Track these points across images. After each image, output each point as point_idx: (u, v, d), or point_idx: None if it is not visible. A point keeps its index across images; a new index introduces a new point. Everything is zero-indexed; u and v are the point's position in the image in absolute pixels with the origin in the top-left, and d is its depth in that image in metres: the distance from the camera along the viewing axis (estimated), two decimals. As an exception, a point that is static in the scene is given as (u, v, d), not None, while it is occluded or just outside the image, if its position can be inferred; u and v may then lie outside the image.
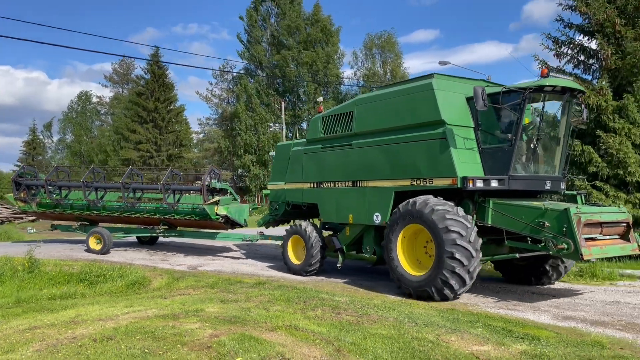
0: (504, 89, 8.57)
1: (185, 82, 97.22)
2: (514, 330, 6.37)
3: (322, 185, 11.16)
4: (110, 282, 10.21)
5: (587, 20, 13.69)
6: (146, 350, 5.53)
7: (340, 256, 11.09)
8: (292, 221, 12.53)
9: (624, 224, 8.58)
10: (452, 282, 8.06)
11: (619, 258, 11.35)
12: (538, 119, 9.20)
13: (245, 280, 10.44)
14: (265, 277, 10.88)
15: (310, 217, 12.30)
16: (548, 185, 9.06)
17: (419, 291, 8.56)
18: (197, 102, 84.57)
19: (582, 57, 14.03)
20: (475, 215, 8.81)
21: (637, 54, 12.53)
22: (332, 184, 10.88)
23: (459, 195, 8.87)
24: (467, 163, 8.63)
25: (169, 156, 42.83)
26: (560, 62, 14.17)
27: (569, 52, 14.13)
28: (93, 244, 14.18)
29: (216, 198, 13.54)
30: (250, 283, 10.02)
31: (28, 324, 6.79)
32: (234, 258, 14.27)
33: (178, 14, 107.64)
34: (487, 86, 8.98)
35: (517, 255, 8.74)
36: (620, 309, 7.93)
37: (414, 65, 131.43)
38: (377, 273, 11.38)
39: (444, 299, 8.32)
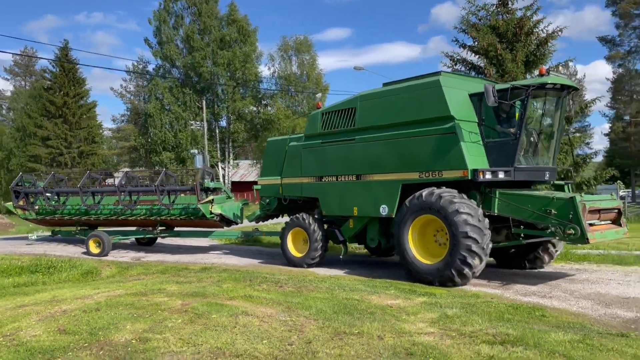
0: (512, 86, 9.00)
1: (90, 75, 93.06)
2: (418, 290, 8.38)
3: (323, 180, 11.27)
4: (65, 272, 11.11)
5: (476, 43, 16.41)
6: (134, 315, 6.82)
7: (343, 248, 11.56)
8: (294, 214, 12.30)
9: (616, 210, 9.35)
10: (470, 260, 8.48)
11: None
12: (539, 114, 9.70)
13: (191, 267, 11.69)
14: (209, 264, 12.26)
15: (303, 211, 12.25)
16: (547, 175, 9.65)
17: (437, 277, 8.92)
18: (110, 97, 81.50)
19: (474, 74, 16.74)
20: (481, 205, 9.22)
21: (512, 73, 15.35)
22: (335, 178, 11.01)
23: (465, 186, 9.23)
24: (475, 156, 9.04)
25: (81, 153, 41.80)
26: (456, 77, 16.78)
27: (462, 68, 16.80)
28: (93, 247, 14.16)
29: (210, 197, 13.81)
30: (196, 269, 11.30)
31: (13, 304, 7.74)
32: (173, 250, 15.40)
33: (81, 1, 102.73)
34: (495, 84, 9.44)
35: (524, 242, 9.37)
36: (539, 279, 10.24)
37: (328, 62, 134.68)
38: (370, 264, 12.11)
39: (464, 280, 8.72)
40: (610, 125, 51.91)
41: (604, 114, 53.23)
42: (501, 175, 8.94)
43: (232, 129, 42.42)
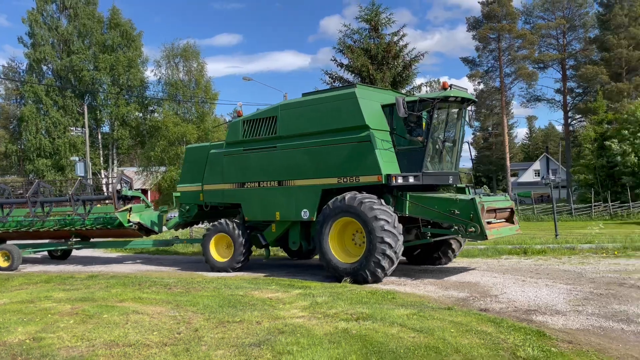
0: (419, 99, 9.79)
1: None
2: (296, 284, 9.46)
3: (245, 186, 11.51)
4: None
5: (351, 63, 18.10)
6: (24, 319, 7.09)
7: (265, 251, 12.06)
8: (215, 221, 12.43)
9: (509, 210, 10.35)
10: (384, 263, 9.12)
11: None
12: (442, 124, 10.44)
13: (77, 276, 11.73)
14: (96, 272, 12.37)
15: (224, 217, 12.36)
16: (450, 179, 10.50)
17: (353, 276, 9.47)
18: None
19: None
20: (394, 207, 9.88)
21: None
22: (257, 184, 11.30)
23: (380, 190, 9.82)
24: (388, 162, 9.71)
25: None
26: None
27: (340, 85, 18.39)
28: (1, 261, 13.37)
29: (128, 206, 13.56)
30: (83, 277, 11.38)
31: None
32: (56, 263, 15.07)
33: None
34: (405, 96, 10.21)
35: (431, 240, 10.16)
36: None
37: (218, 68, 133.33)
38: (293, 266, 12.62)
39: (376, 280, 9.34)
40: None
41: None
42: (411, 180, 9.65)
43: (116, 136, 40.96)
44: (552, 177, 47.80)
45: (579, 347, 5.11)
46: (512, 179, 63.44)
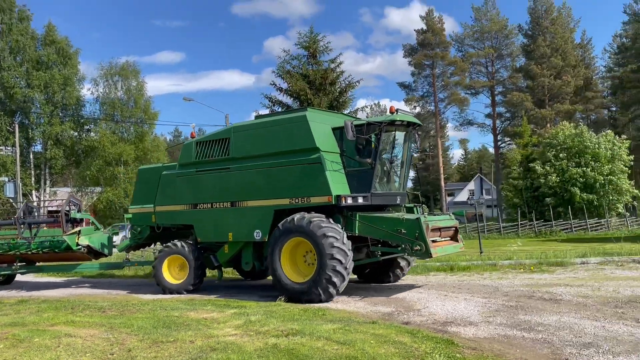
0: (367, 122, 10.19)
1: None
2: (231, 304, 9.69)
3: (198, 207, 11.56)
4: None
5: (290, 87, 18.74)
6: (-50, 347, 6.99)
7: (217, 272, 12.14)
8: (167, 242, 12.37)
9: (453, 229, 10.74)
10: (335, 279, 9.34)
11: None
12: (390, 147, 10.77)
13: (5, 301, 11.41)
14: (27, 297, 12.07)
15: (175, 238, 12.39)
16: (398, 199, 10.85)
17: (305, 295, 9.64)
18: None
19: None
20: (344, 226, 10.07)
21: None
22: (210, 205, 11.37)
23: (330, 210, 10.06)
24: (339, 183, 9.98)
25: None
26: (273, 116, 18.91)
27: (279, 109, 18.95)
28: None
29: (77, 228, 13.22)
30: (12, 302, 11.07)
31: None
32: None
33: None
34: (354, 120, 10.73)
35: (380, 258, 10.60)
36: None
37: (160, 86, 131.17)
38: (245, 287, 12.75)
39: (329, 297, 9.56)
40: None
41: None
42: (360, 200, 9.95)
43: (49, 155, 39.52)
44: (476, 198, 50.25)
45: (481, 353, 5.72)
46: (448, 199, 66.11)
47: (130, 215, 13.08)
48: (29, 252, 13.37)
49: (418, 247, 9.30)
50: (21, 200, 32.49)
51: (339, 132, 10.51)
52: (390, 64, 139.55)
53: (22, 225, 13.20)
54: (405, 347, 5.86)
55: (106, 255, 13.96)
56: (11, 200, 32.19)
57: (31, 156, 39.78)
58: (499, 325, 7.30)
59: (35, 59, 39.84)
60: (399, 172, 11.18)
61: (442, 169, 53.91)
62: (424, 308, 8.86)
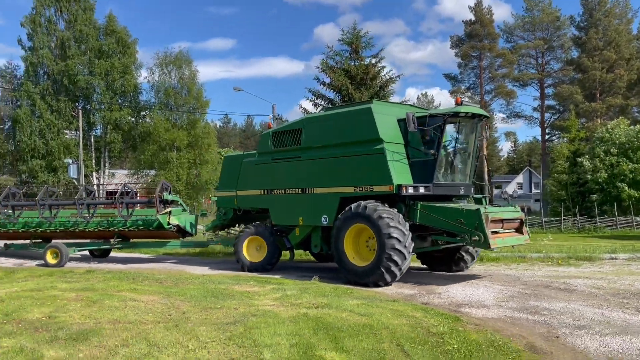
0: (429, 114, 10.52)
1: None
2: (271, 281, 10.82)
3: (273, 192, 12.53)
4: (-49, 276, 11.90)
5: (333, 82, 19.63)
6: (37, 303, 8.39)
7: (290, 254, 12.96)
8: (246, 224, 13.53)
9: (518, 220, 10.83)
10: (395, 257, 9.76)
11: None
12: (454, 138, 11.04)
13: (76, 270, 13.07)
14: (94, 267, 13.67)
15: (256, 221, 13.44)
16: (462, 190, 11.13)
17: (368, 277, 10.13)
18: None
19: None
20: (406, 215, 10.49)
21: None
22: (283, 191, 12.29)
23: (393, 199, 10.49)
24: (401, 173, 10.37)
25: None
26: (316, 109, 19.90)
27: (322, 103, 19.92)
28: (50, 258, 14.28)
29: (168, 209, 14.55)
30: (81, 272, 12.71)
31: None
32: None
33: None
34: (416, 112, 10.83)
35: (441, 247, 10.94)
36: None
37: (211, 72, 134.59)
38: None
39: (392, 277, 9.97)
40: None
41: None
42: (422, 190, 10.34)
43: (108, 139, 42.11)
44: (510, 192, 49.71)
45: (482, 328, 6.57)
46: (495, 191, 65.33)
47: (216, 198, 14.37)
48: (126, 229, 14.84)
49: (476, 238, 9.53)
50: (83, 181, 35.03)
51: (403, 123, 10.81)
52: (442, 52, 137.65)
53: (120, 205, 14.72)
54: (415, 320, 6.78)
55: (192, 235, 15.27)
56: (92, 183, 34.70)
57: (92, 140, 42.47)
58: (508, 309, 8.07)
59: (97, 48, 42.30)
60: (464, 163, 11.36)
61: (486, 161, 53.47)
62: (445, 292, 9.68)
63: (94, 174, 41.97)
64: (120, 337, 6.26)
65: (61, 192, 21.73)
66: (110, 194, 20.67)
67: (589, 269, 12.73)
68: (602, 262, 13.81)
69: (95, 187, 16.17)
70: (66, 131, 39.34)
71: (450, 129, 10.83)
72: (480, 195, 11.80)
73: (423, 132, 10.53)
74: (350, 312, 7.28)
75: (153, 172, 40.86)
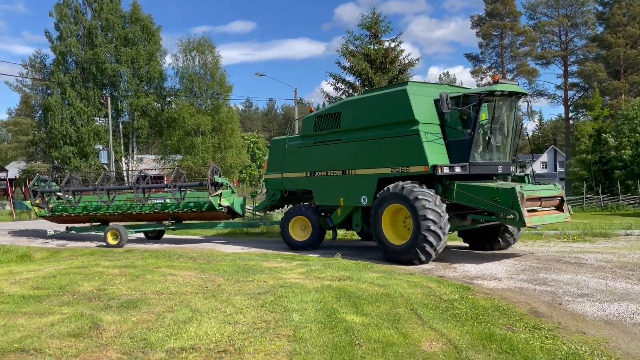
0: (464, 94, 10.44)
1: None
2: (297, 258, 11.57)
3: (315, 174, 12.93)
4: (2, 255, 12.97)
5: (353, 66, 20.09)
6: (86, 278, 9.28)
7: (332, 233, 13.29)
8: (293, 205, 14.20)
9: (559, 198, 10.78)
10: (430, 238, 9.97)
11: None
12: (492, 117, 10.82)
13: (115, 250, 14.03)
14: (130, 247, 14.64)
15: (302, 202, 14.08)
16: (500, 169, 11.00)
17: (404, 255, 10.37)
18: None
19: (351, 91, 20.44)
20: (443, 195, 10.64)
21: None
22: (325, 173, 12.64)
23: (430, 179, 10.61)
24: (436, 154, 10.45)
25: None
26: (337, 93, 20.44)
27: (343, 86, 20.43)
28: (110, 239, 15.15)
29: (219, 191, 15.17)
30: (121, 251, 13.65)
31: (-21, 276, 9.81)
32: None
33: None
34: (451, 92, 10.66)
35: (478, 225, 10.95)
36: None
37: (232, 55, 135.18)
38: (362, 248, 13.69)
39: (427, 257, 10.18)
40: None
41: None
42: (457, 170, 10.39)
43: (136, 125, 43.37)
44: (526, 170, 49.27)
45: (490, 297, 7.19)
46: (519, 170, 64.77)
47: (266, 180, 14.94)
48: (180, 211, 15.62)
49: (511, 216, 9.59)
50: (113, 167, 36.31)
51: (439, 104, 10.74)
52: (464, 29, 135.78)
53: (174, 188, 15.38)
54: (429, 289, 7.44)
55: (241, 215, 15.95)
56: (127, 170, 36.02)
57: (120, 126, 43.81)
58: (519, 281, 8.65)
59: (123, 36, 43.36)
60: (502, 142, 11.26)
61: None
62: (460, 266, 10.29)
63: (123, 159, 43.35)
64: (165, 305, 7.07)
65: (93, 177, 22.79)
66: (157, 178, 21.37)
67: (603, 244, 13.14)
68: (617, 238, 14.18)
69: (147, 173, 16.89)
70: (96, 118, 40.67)
71: (487, 107, 10.83)
72: (523, 174, 11.81)
73: (459, 112, 10.64)
74: (370, 284, 7.96)
75: (179, 156, 42.00)
